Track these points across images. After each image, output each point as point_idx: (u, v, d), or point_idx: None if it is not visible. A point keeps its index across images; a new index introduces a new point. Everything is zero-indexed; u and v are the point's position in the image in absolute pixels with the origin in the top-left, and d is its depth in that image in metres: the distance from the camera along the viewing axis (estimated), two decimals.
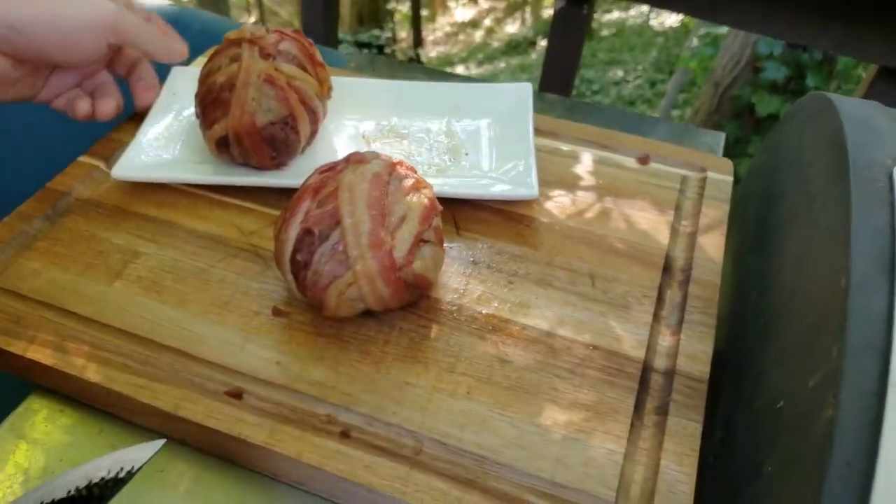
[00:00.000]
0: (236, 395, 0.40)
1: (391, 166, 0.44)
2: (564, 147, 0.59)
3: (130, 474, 0.35)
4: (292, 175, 0.53)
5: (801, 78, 1.59)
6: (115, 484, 0.35)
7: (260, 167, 0.53)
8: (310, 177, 0.44)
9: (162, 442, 0.37)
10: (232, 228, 0.50)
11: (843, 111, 0.42)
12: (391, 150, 0.57)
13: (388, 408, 0.40)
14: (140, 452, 0.36)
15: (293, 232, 0.41)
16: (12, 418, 0.42)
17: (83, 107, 0.52)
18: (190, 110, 0.59)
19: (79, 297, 0.45)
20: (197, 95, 0.53)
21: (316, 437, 0.38)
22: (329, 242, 0.40)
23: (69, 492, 0.33)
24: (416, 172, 0.45)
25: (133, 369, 0.41)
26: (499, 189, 0.53)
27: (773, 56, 1.58)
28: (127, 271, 0.47)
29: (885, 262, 0.32)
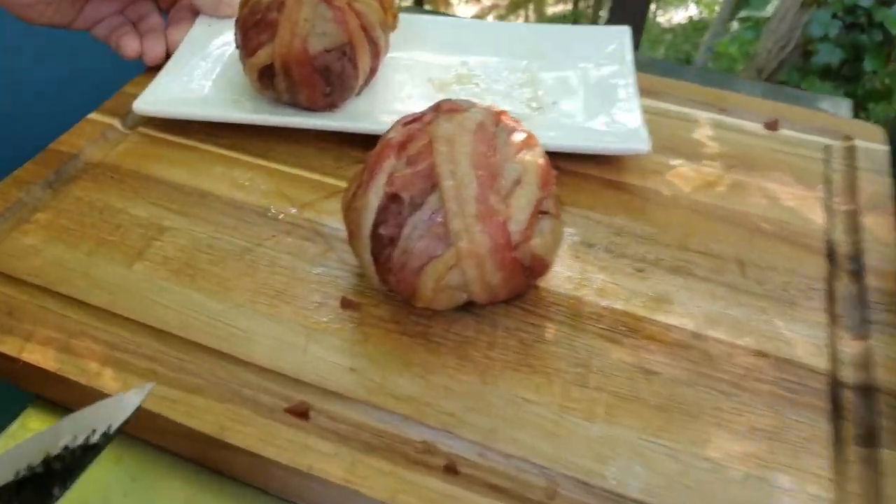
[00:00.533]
0: (301, 413, 0.30)
1: (495, 115, 0.33)
2: (673, 108, 0.49)
3: (107, 437, 0.23)
4: (346, 118, 0.43)
5: (858, 61, 1.49)
6: (82, 453, 0.23)
7: (309, 106, 0.43)
8: (390, 130, 0.34)
9: (150, 386, 0.24)
10: (281, 199, 0.40)
11: None
12: (462, 95, 0.47)
13: (504, 433, 0.30)
14: (118, 405, 0.24)
15: (374, 198, 0.31)
16: (3, 438, 0.32)
17: (131, 45, 0.47)
18: (227, 41, 0.49)
19: (90, 281, 0.35)
20: (237, 20, 0.43)
21: (412, 472, 0.28)
22: (423, 211, 0.30)
23: (18, 473, 0.22)
24: (521, 125, 0.35)
25: (162, 377, 0.31)
26: (605, 142, 0.43)
27: (827, 38, 1.48)
28: (150, 250, 0.37)
29: None
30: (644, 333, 0.34)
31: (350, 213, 0.33)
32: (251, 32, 0.41)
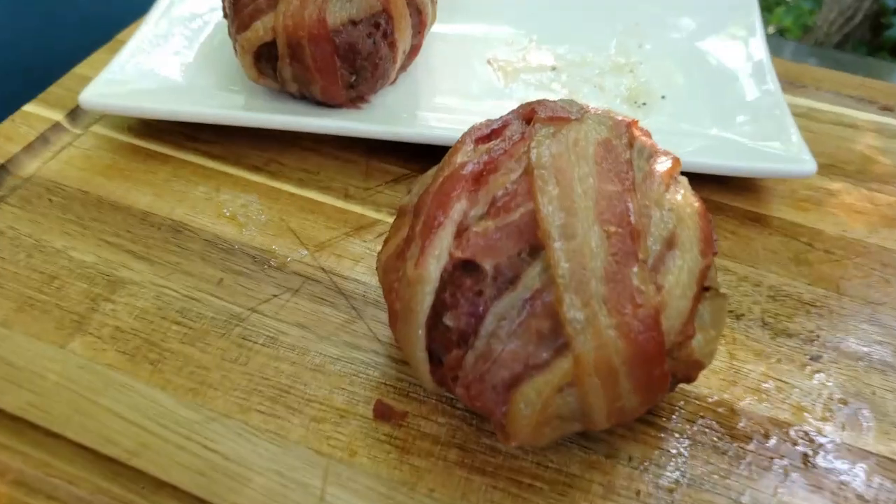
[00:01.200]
0: None
1: (623, 128, 0.21)
2: (822, 107, 0.36)
3: None
4: (379, 118, 0.31)
5: None
6: None
7: (326, 101, 0.31)
8: (456, 150, 0.22)
9: None
10: (286, 236, 0.28)
11: None
12: (535, 86, 0.34)
13: None
14: None
15: (434, 266, 0.19)
16: None
17: None
18: (213, 5, 0.37)
19: (8, 370, 0.24)
20: None
21: None
22: (518, 293, 0.18)
23: None
24: (651, 138, 0.23)
25: None
26: (760, 163, 0.30)
27: None
28: (96, 317, 0.25)
29: None
30: (836, 468, 0.22)
31: (394, 283, 0.21)
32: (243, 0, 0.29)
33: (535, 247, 0.19)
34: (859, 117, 0.36)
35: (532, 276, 0.19)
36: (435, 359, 0.20)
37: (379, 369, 0.24)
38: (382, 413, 0.23)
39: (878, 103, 0.36)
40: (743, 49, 0.36)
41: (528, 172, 0.20)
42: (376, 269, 0.22)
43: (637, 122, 0.22)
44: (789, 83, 0.37)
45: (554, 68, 0.35)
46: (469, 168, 0.21)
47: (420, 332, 0.20)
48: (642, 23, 0.38)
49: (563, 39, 0.37)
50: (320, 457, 0.22)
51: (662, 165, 0.21)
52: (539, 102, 0.23)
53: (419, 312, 0.20)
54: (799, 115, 0.35)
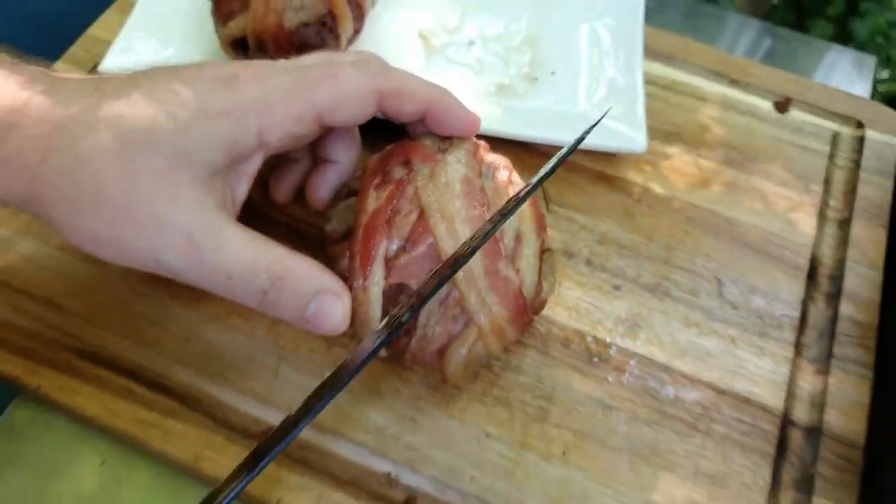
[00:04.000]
0: None
1: (475, 156, 0.31)
2: (684, 79, 0.45)
3: None
4: None
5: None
6: None
7: None
8: (364, 199, 0.30)
9: None
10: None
11: None
12: (456, 59, 0.43)
13: (465, 471, 0.32)
14: None
15: (376, 290, 0.29)
16: None
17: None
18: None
19: (66, 283, 0.35)
20: None
21: None
22: (436, 297, 0.29)
23: None
24: (490, 150, 0.33)
25: (140, 398, 0.32)
26: (595, 139, 0.40)
27: None
28: None
29: None
30: (611, 364, 0.35)
31: (354, 305, 0.29)
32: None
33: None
34: (709, 90, 0.45)
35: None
36: (390, 346, 0.30)
37: None
38: None
39: (729, 78, 0.46)
40: (625, 31, 0.44)
41: (422, 216, 0.29)
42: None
43: (480, 145, 0.32)
44: (667, 57, 0.46)
45: (471, 43, 0.44)
46: (381, 218, 0.30)
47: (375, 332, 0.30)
48: (548, 6, 0.46)
49: (480, 22, 0.45)
50: (277, 347, 0.34)
51: (502, 176, 0.31)
52: (410, 144, 0.31)
53: (373, 319, 0.29)
54: (663, 86, 0.45)
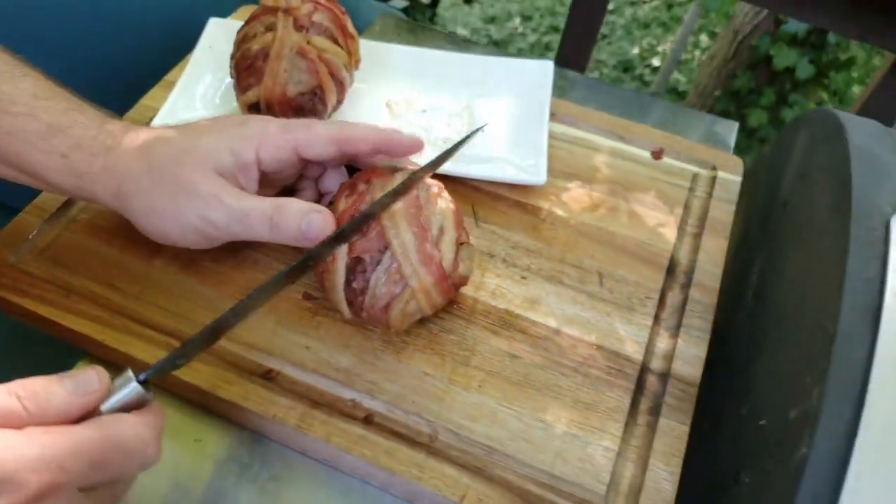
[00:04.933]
0: (270, 377, 0.44)
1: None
2: (583, 136, 0.61)
3: None
4: None
5: (823, 33, 1.56)
6: None
7: None
8: (338, 198, 0.45)
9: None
10: None
11: (852, 140, 0.44)
12: (413, 123, 0.59)
13: (408, 397, 0.44)
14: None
15: (341, 263, 0.43)
16: None
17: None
18: (225, 67, 0.60)
19: (123, 272, 0.48)
20: (232, 58, 0.54)
21: (342, 422, 0.43)
22: (382, 266, 0.42)
23: None
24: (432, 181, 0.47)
25: (174, 348, 0.45)
26: (509, 172, 0.55)
27: None
28: (165, 250, 0.50)
29: (872, 315, 0.35)
30: (517, 327, 0.48)
31: (324, 273, 0.44)
32: (242, 75, 0.53)
33: (385, 245, 0.43)
34: (602, 143, 0.60)
35: (386, 257, 0.43)
36: (351, 305, 0.45)
37: (306, 276, 0.49)
38: (307, 297, 0.48)
39: (618, 134, 0.61)
40: (536, 102, 0.60)
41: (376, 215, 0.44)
42: (315, 272, 0.46)
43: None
44: (571, 120, 0.62)
45: (424, 111, 0.60)
46: (346, 215, 0.44)
47: (342, 293, 0.43)
48: (480, 82, 0.62)
49: (431, 96, 0.61)
50: (274, 314, 0.47)
51: (433, 190, 0.45)
52: (373, 170, 0.46)
53: (339, 284, 0.43)
54: (566, 140, 0.60)
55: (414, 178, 0.44)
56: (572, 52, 0.92)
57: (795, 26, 1.56)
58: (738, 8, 1.73)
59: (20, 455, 0.27)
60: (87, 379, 0.31)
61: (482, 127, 0.47)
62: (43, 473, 0.27)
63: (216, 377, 0.44)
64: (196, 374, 0.44)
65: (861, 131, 0.46)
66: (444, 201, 0.45)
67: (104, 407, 0.32)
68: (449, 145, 0.56)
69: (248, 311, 0.38)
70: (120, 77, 0.63)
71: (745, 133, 1.74)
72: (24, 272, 0.48)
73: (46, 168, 0.42)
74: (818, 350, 0.36)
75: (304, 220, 0.42)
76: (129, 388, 0.32)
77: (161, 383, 0.45)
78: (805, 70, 1.58)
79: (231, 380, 0.44)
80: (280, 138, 0.44)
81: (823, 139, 0.49)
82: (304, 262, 0.40)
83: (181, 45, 0.63)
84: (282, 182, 0.49)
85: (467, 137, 0.46)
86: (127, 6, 0.69)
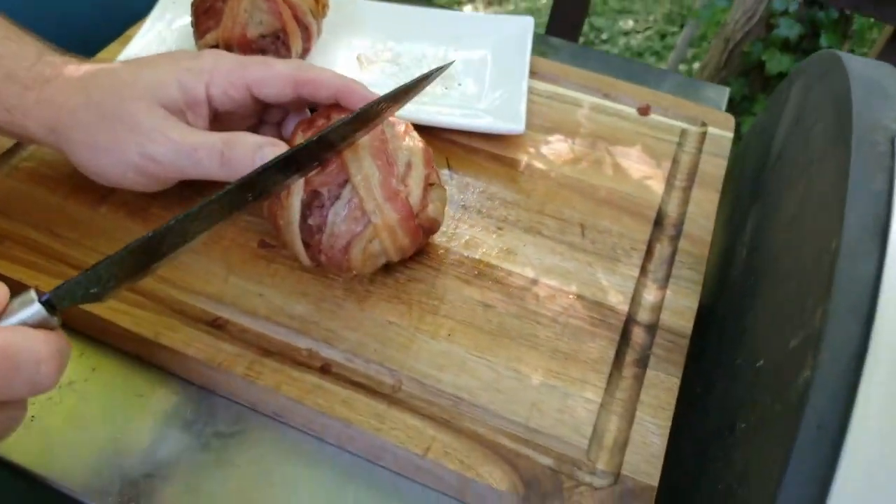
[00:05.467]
0: (218, 325, 0.40)
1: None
2: (565, 92, 0.58)
3: None
4: None
5: (815, 37, 1.55)
6: None
7: None
8: (293, 135, 0.42)
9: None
10: None
11: (851, 70, 0.41)
12: (384, 74, 0.56)
13: (370, 346, 0.40)
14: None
15: (296, 198, 0.39)
16: None
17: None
18: (186, 20, 0.57)
19: (65, 218, 0.45)
20: (192, 4, 0.51)
21: (295, 370, 0.38)
22: (342, 201, 0.39)
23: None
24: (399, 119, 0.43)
25: (115, 295, 0.41)
26: (485, 121, 0.52)
27: (787, 13, 1.54)
28: (113, 196, 0.46)
29: (878, 228, 0.31)
30: (491, 277, 0.44)
31: (280, 211, 0.40)
32: (202, 18, 0.50)
33: (346, 179, 0.39)
34: (585, 99, 0.57)
35: (347, 191, 0.39)
36: (307, 246, 0.41)
37: (263, 224, 0.45)
38: (263, 244, 0.44)
39: (602, 91, 0.58)
40: (515, 55, 0.57)
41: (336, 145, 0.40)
42: (264, 210, 0.42)
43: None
44: (550, 76, 0.59)
45: (397, 64, 0.57)
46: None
47: (297, 231, 0.40)
48: (460, 37, 0.59)
49: (405, 48, 0.58)
50: (226, 262, 0.43)
51: (399, 128, 0.42)
52: (332, 106, 0.42)
53: (294, 221, 0.39)
54: (546, 96, 0.57)
55: (377, 108, 0.40)
56: (562, 20, 0.89)
57: (787, 31, 1.55)
58: (730, 16, 1.72)
59: None
60: None
61: (451, 63, 0.44)
62: None
63: (160, 324, 0.40)
64: (138, 321, 0.40)
65: (859, 63, 0.43)
66: (412, 139, 0.42)
67: None
68: (423, 101, 0.53)
69: (180, 238, 0.33)
70: (76, 34, 0.60)
71: (740, 137, 1.71)
72: None
73: None
74: (821, 271, 0.32)
75: (259, 153, 0.38)
76: (31, 309, 0.28)
77: (101, 335, 0.41)
78: None
79: (175, 327, 0.40)
80: (234, 74, 0.41)
81: (820, 77, 0.45)
82: (253, 183, 0.35)
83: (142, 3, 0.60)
84: (237, 126, 0.45)
85: (438, 70, 0.42)
86: None
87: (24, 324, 0.28)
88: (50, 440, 0.38)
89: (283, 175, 0.37)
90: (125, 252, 0.31)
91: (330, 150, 0.38)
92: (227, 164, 0.38)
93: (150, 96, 0.39)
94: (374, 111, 0.39)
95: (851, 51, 1.69)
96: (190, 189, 0.44)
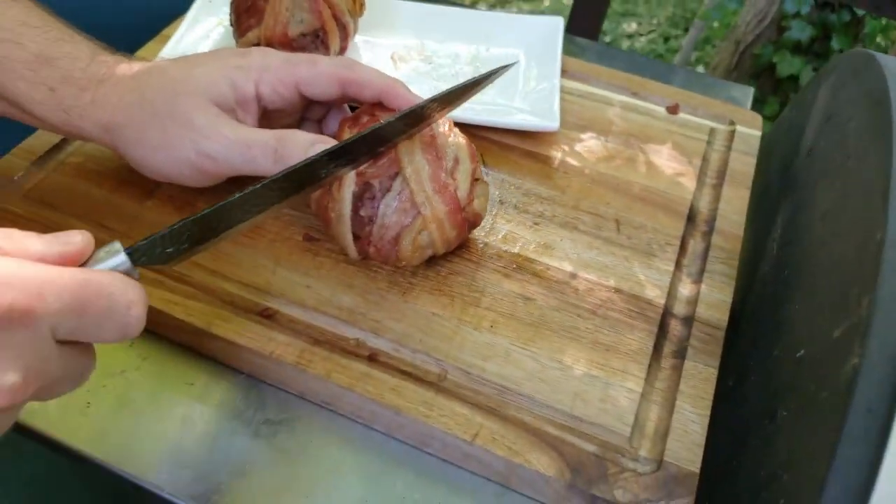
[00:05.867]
0: (268, 315, 0.41)
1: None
2: (595, 91, 0.59)
3: None
4: None
5: (827, 39, 1.56)
6: None
7: None
8: (340, 131, 0.43)
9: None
10: None
11: (888, 68, 0.42)
12: (417, 72, 0.57)
13: (415, 336, 0.41)
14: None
15: (348, 190, 0.40)
16: None
17: None
18: (223, 16, 0.58)
19: (113, 211, 0.46)
20: (232, 2, 0.52)
21: (344, 359, 0.39)
22: (392, 193, 0.40)
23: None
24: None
25: (167, 286, 0.42)
26: (520, 118, 0.53)
27: (799, 15, 1.55)
28: (160, 190, 0.47)
29: None
30: (530, 271, 0.45)
31: (329, 203, 0.41)
32: (243, 16, 0.51)
33: (397, 172, 0.40)
34: (615, 98, 0.58)
35: (397, 183, 0.40)
36: (357, 238, 0.42)
37: (307, 219, 0.46)
38: (308, 238, 0.45)
39: (631, 90, 0.59)
40: (546, 55, 0.58)
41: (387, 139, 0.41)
42: (312, 203, 0.44)
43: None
44: (581, 76, 0.60)
45: (430, 62, 0.58)
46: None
47: (348, 223, 0.41)
48: (491, 36, 0.60)
49: (438, 48, 0.59)
50: (274, 255, 0.44)
51: (445, 125, 0.43)
52: (377, 104, 0.44)
53: (345, 213, 0.40)
54: (577, 94, 0.58)
55: (429, 108, 0.41)
56: (583, 20, 0.90)
57: (799, 33, 1.56)
58: (741, 18, 1.73)
59: None
60: (69, 234, 0.28)
61: (510, 65, 0.44)
62: (17, 291, 0.23)
63: (212, 315, 0.41)
64: (191, 312, 0.41)
65: (893, 61, 0.44)
66: (456, 136, 0.43)
67: None
68: None
69: (243, 213, 0.34)
70: (115, 34, 0.61)
71: None
72: (4, 211, 0.45)
73: (32, 101, 0.40)
74: (866, 261, 0.33)
75: (311, 150, 0.39)
76: (117, 258, 0.29)
77: (153, 326, 0.42)
78: (809, 77, 1.57)
79: (227, 317, 0.41)
80: (282, 71, 0.42)
81: (852, 75, 0.46)
82: (308, 169, 0.36)
83: (177, 4, 0.61)
84: (282, 123, 0.46)
85: (493, 73, 0.43)
86: None
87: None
88: (105, 426, 0.39)
89: (336, 165, 0.38)
90: (199, 216, 0.32)
91: (382, 144, 0.39)
92: (281, 160, 0.39)
93: (202, 94, 0.40)
94: (428, 111, 0.40)
95: None
96: (235, 185, 0.45)
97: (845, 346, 0.31)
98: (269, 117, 0.44)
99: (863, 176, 0.38)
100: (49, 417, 0.39)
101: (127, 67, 0.42)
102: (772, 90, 1.72)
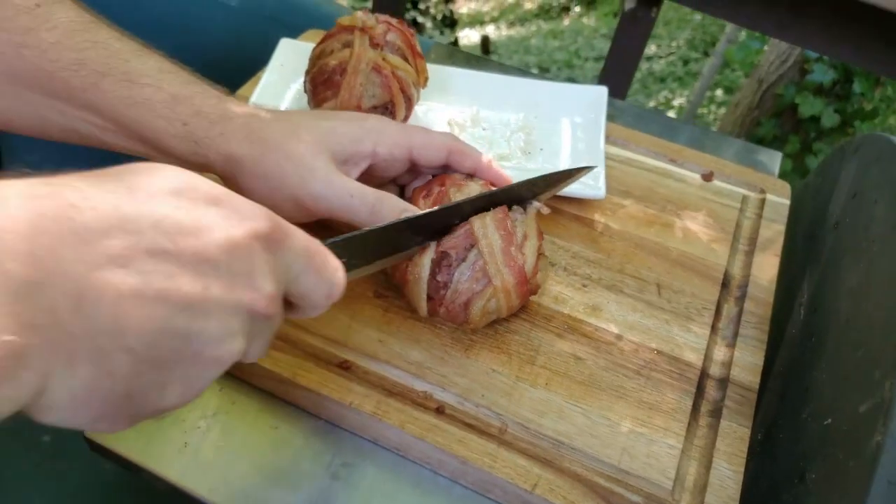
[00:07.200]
0: (346, 367, 0.46)
1: (485, 185, 0.48)
2: (635, 157, 0.63)
3: None
4: None
5: (848, 83, 1.61)
6: None
7: None
8: (413, 200, 0.48)
9: None
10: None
11: None
12: (473, 138, 0.62)
13: (477, 391, 0.46)
14: None
15: (427, 257, 0.45)
16: None
17: None
18: (297, 84, 0.64)
19: None
20: (308, 73, 0.58)
21: (416, 410, 0.44)
22: (467, 263, 0.45)
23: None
24: None
25: None
26: (572, 187, 0.58)
27: (821, 59, 1.59)
28: None
29: None
30: (580, 331, 0.49)
31: (409, 266, 0.46)
32: (319, 88, 0.56)
33: (472, 244, 0.45)
34: (654, 164, 0.63)
35: (472, 255, 0.45)
36: (430, 299, 0.46)
37: (376, 276, 0.51)
38: (378, 295, 0.50)
39: (668, 157, 0.64)
40: (591, 123, 0.63)
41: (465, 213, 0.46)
42: (391, 271, 0.48)
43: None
44: (621, 140, 0.65)
45: (484, 128, 0.63)
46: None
47: (424, 286, 0.46)
48: (539, 103, 0.65)
49: (490, 115, 0.64)
50: (349, 310, 0.49)
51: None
52: (447, 174, 0.49)
53: (423, 278, 0.45)
54: (619, 161, 0.63)
55: (511, 191, 0.47)
56: (613, 80, 0.95)
57: (821, 76, 1.60)
58: (764, 58, 1.77)
59: (243, 201, 0.30)
60: None
61: (590, 168, 0.51)
62: (276, 224, 0.30)
63: (296, 366, 0.46)
64: (277, 362, 0.46)
65: None
66: (525, 216, 0.48)
67: None
68: (506, 160, 0.59)
69: (387, 242, 0.43)
70: None
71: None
72: None
73: (167, 134, 0.45)
74: (889, 346, 0.37)
75: (402, 214, 0.44)
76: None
77: (241, 374, 0.47)
78: (830, 119, 1.61)
79: (310, 368, 0.46)
80: (399, 136, 0.48)
81: (876, 159, 0.51)
82: (397, 226, 0.43)
83: (247, 65, 0.67)
84: (373, 184, 0.51)
85: (576, 171, 0.49)
86: (194, 24, 0.74)
87: None
88: (200, 462, 0.44)
89: (420, 232, 0.44)
90: (369, 231, 0.41)
91: (460, 217, 0.45)
92: (376, 215, 0.44)
93: (321, 141, 0.46)
94: (509, 194, 0.46)
95: (884, 96, 1.74)
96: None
97: (870, 421, 0.36)
98: (368, 174, 0.49)
99: (886, 263, 0.42)
100: (151, 453, 0.44)
101: (252, 108, 0.48)
102: (792, 129, 1.76)
